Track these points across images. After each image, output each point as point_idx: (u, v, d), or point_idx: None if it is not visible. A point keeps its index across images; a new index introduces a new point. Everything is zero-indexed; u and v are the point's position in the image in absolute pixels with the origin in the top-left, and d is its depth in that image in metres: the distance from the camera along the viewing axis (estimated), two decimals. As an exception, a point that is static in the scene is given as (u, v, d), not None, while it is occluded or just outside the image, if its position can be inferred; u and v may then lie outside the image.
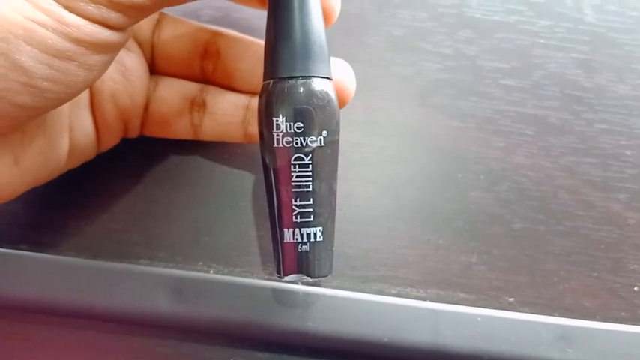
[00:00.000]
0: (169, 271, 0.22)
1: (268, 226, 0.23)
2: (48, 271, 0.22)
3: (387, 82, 0.25)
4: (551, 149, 0.25)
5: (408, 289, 0.23)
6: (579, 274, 0.24)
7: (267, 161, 0.18)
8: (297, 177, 0.18)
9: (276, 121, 0.17)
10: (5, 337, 0.23)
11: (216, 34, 0.22)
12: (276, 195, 0.18)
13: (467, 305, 0.23)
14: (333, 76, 0.19)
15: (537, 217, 0.24)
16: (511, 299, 0.23)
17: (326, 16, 0.20)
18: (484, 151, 0.25)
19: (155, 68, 0.23)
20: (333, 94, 0.18)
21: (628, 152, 0.25)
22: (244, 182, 0.24)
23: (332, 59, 0.21)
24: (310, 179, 0.18)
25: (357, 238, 0.24)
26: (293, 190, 0.18)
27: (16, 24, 0.14)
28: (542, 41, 0.26)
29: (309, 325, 0.21)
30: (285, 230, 0.18)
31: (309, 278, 0.18)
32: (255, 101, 0.22)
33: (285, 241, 0.18)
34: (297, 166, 0.18)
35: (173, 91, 0.22)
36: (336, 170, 0.19)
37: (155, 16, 0.22)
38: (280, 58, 0.18)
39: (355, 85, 0.21)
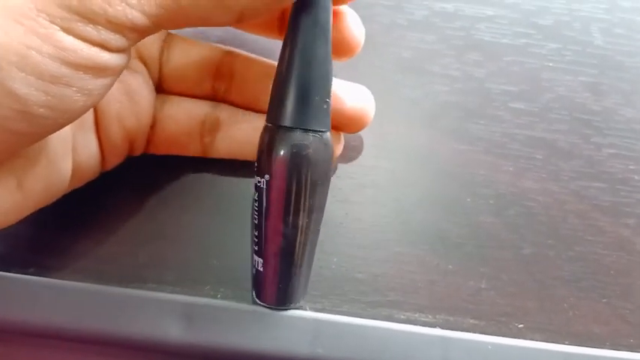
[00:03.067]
0: (178, 297, 0.22)
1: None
2: (55, 297, 0.22)
3: (395, 104, 0.25)
4: (560, 173, 0.25)
5: (417, 315, 0.23)
6: (589, 300, 0.24)
7: None
8: (254, 209, 0.20)
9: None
10: (11, 362, 0.23)
11: (228, 54, 0.22)
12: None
13: (476, 331, 0.23)
14: (354, 101, 0.22)
15: (547, 241, 0.24)
16: (521, 325, 0.23)
17: (347, 48, 0.21)
18: (493, 175, 0.25)
19: (163, 87, 0.22)
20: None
21: (636, 177, 0.25)
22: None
23: (354, 85, 0.23)
24: (257, 214, 0.20)
25: (366, 262, 0.23)
26: (251, 220, 0.21)
27: (9, 50, 0.14)
28: (550, 64, 0.26)
29: (319, 352, 0.21)
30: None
31: (258, 300, 0.22)
32: None
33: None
34: (255, 200, 0.20)
35: (182, 110, 0.22)
36: (285, 213, 0.19)
37: (162, 36, 0.22)
38: (285, 105, 0.18)
39: (374, 111, 0.22)
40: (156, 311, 0.21)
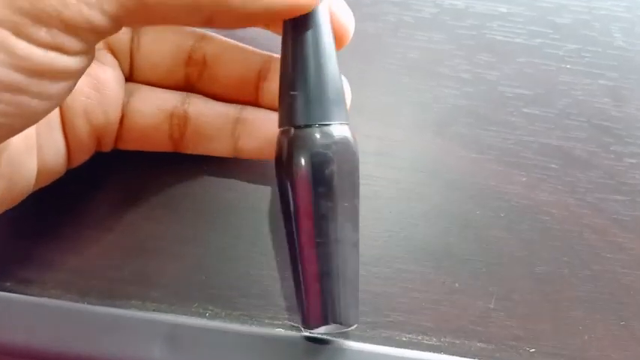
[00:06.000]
0: (163, 317, 0.20)
1: (271, 265, 0.22)
2: (33, 315, 0.20)
3: (401, 109, 0.24)
4: (577, 185, 0.23)
5: (420, 337, 0.21)
6: (606, 323, 0.22)
7: None
8: (285, 227, 0.19)
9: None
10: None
11: (201, 38, 0.21)
12: None
13: (484, 356, 0.21)
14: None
15: (562, 259, 0.22)
16: (532, 350, 0.21)
17: (338, 38, 0.19)
18: (504, 186, 0.23)
19: (134, 77, 0.21)
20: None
21: (660, 189, 0.23)
22: (245, 217, 0.22)
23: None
24: (287, 230, 0.19)
25: (365, 280, 0.22)
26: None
27: None
28: (568, 66, 0.24)
29: (313, 380, 0.20)
30: None
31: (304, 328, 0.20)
32: (247, 112, 0.21)
33: None
34: (283, 215, 0.19)
35: (149, 103, 0.21)
36: (317, 221, 0.18)
37: None
38: (296, 104, 0.17)
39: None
40: (139, 333, 0.20)
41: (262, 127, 0.21)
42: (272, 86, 0.21)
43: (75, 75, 0.15)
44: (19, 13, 0.13)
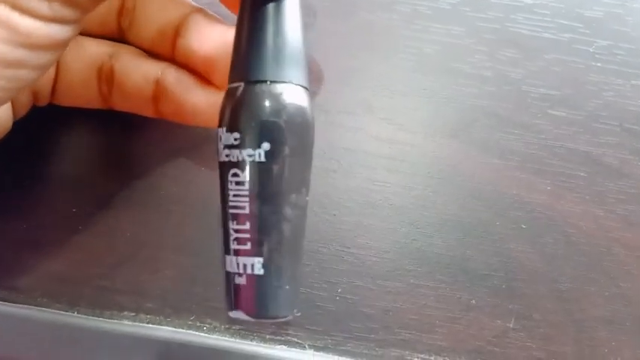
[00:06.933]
0: (157, 332, 0.19)
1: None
2: (19, 327, 0.19)
3: (414, 109, 0.22)
4: (606, 195, 0.21)
5: (433, 357, 0.20)
6: (634, 345, 0.20)
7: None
8: (233, 196, 0.15)
9: (219, 131, 0.16)
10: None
11: None
12: (222, 216, 0.16)
13: (502, 379, 0.20)
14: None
15: (588, 275, 0.21)
16: (554, 373, 0.20)
17: None
18: (527, 195, 0.21)
19: None
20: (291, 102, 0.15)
21: (697, 200, 0.21)
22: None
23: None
24: (247, 199, 0.15)
25: (375, 294, 0.20)
26: (230, 211, 0.16)
27: None
28: (599, 64, 0.22)
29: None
30: (226, 257, 0.16)
31: (250, 318, 0.16)
32: (167, 73, 0.20)
33: (226, 269, 0.16)
34: (233, 182, 0.15)
35: (79, 58, 0.20)
36: (290, 192, 0.15)
37: None
38: (266, 57, 0.15)
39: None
40: (131, 352, 0.19)
41: (179, 90, 0.19)
42: (186, 43, 0.19)
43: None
44: None
